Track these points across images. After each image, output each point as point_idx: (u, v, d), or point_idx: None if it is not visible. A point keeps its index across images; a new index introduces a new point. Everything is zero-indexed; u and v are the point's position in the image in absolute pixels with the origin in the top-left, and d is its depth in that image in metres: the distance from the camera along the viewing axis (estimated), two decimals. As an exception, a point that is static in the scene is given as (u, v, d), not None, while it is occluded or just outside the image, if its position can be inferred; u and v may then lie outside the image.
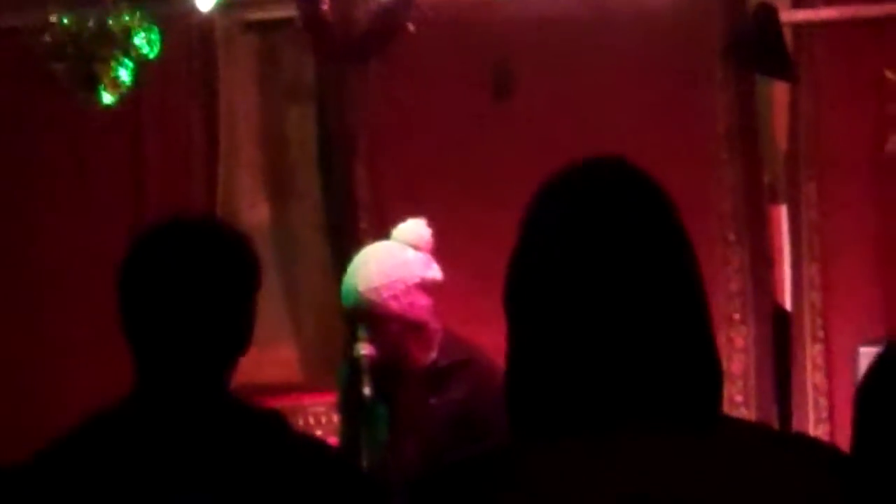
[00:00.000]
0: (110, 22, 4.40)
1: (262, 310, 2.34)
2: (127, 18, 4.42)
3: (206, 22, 5.22)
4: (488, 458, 1.69)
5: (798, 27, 5.14)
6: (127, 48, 4.41)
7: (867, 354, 4.84)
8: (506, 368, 1.70)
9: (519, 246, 1.70)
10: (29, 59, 4.57)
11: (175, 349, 2.24)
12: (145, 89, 4.96)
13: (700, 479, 1.59)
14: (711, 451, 1.62)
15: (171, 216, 2.35)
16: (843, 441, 1.66)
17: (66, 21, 4.40)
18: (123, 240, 2.34)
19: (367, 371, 3.80)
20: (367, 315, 3.82)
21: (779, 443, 1.70)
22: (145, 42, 4.44)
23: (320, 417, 5.19)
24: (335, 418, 4.20)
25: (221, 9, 5.01)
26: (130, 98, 4.66)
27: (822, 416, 5.09)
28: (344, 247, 4.93)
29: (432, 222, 3.97)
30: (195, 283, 2.24)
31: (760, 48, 5.00)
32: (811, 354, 5.12)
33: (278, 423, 2.27)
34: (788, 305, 5.26)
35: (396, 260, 3.86)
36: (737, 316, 5.13)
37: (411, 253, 3.89)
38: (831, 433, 5.01)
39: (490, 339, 3.54)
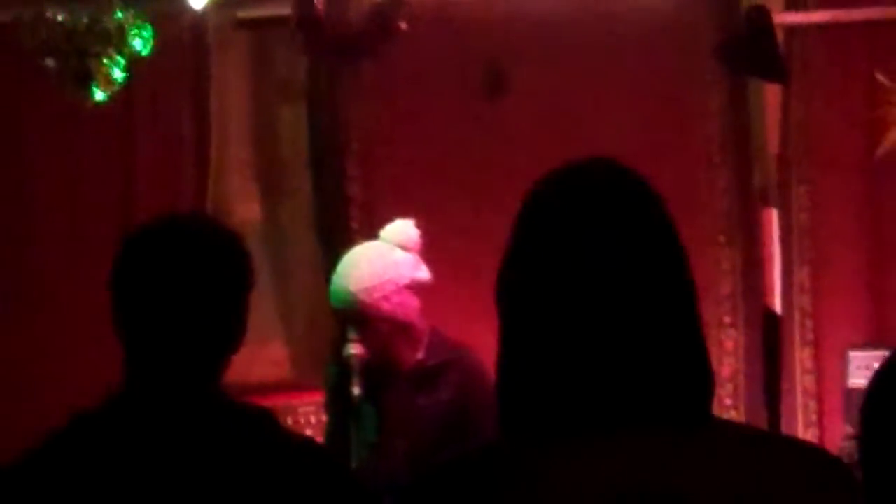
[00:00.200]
0: (104, 19, 4.39)
1: (253, 308, 2.34)
2: (120, 16, 4.42)
3: (199, 20, 5.21)
4: (483, 457, 1.69)
5: (790, 29, 5.15)
6: (120, 45, 4.41)
7: (857, 358, 4.85)
8: (497, 368, 1.70)
9: (511, 246, 1.71)
10: (21, 55, 4.56)
11: (166, 347, 2.24)
12: (137, 87, 4.95)
13: (696, 476, 1.59)
14: (705, 449, 1.62)
15: (162, 214, 2.35)
16: (832, 444, 1.66)
17: (59, 18, 4.39)
18: (114, 238, 2.34)
19: (357, 371, 3.81)
20: (358, 315, 3.83)
21: (769, 442, 1.71)
22: (138, 39, 4.43)
23: (310, 417, 5.18)
24: (325, 418, 4.20)
25: (214, 7, 5.01)
26: (122, 95, 4.65)
27: (812, 420, 5.09)
28: (335, 246, 4.93)
29: (424, 221, 3.98)
30: (187, 282, 2.24)
31: (753, 50, 5.01)
32: (801, 358, 5.13)
33: (269, 422, 2.27)
34: (778, 308, 5.26)
35: (387, 261, 3.87)
36: (727, 319, 5.13)
37: (400, 254, 3.90)
38: (820, 437, 5.01)
39: (478, 338, 3.56)
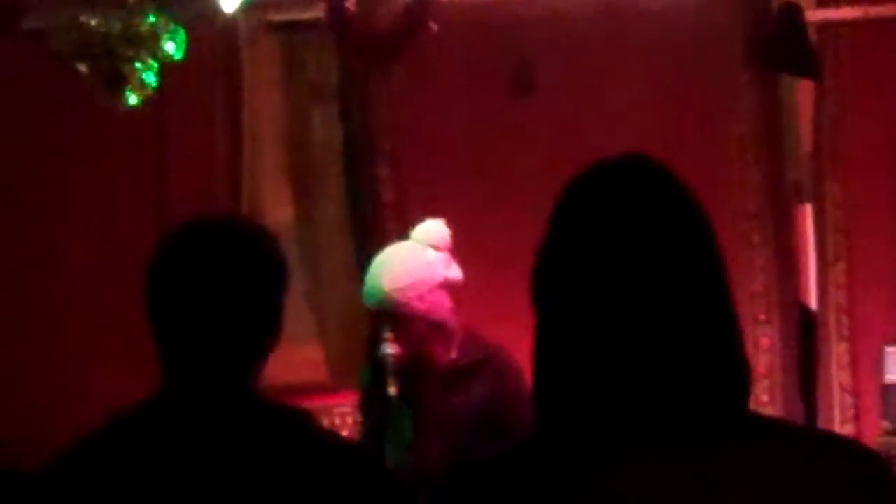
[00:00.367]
0: (137, 24, 4.42)
1: (287, 310, 2.34)
2: (153, 20, 4.44)
3: (231, 23, 5.23)
4: (520, 458, 1.69)
5: (822, 26, 5.13)
6: (153, 50, 4.43)
7: (893, 353, 4.84)
8: (533, 366, 1.70)
9: (546, 244, 1.70)
10: (55, 60, 4.58)
11: (203, 348, 2.24)
12: (170, 91, 4.97)
13: (735, 475, 1.59)
14: (743, 448, 1.62)
15: (197, 216, 2.36)
16: (869, 439, 1.66)
17: (93, 23, 4.42)
18: (148, 241, 2.34)
19: (392, 370, 3.82)
20: (393, 315, 3.83)
21: (807, 438, 1.71)
22: (171, 44, 4.45)
23: (346, 417, 5.19)
24: (360, 418, 4.21)
25: (246, 10, 5.03)
26: (155, 99, 4.67)
27: (848, 415, 5.08)
28: (369, 247, 4.94)
29: (457, 222, 3.98)
30: (223, 283, 2.24)
31: (785, 47, 4.99)
32: (837, 353, 5.11)
33: (308, 422, 2.27)
34: (814, 305, 5.25)
35: (420, 260, 3.88)
36: (762, 316, 5.12)
37: (432, 253, 3.91)
38: (857, 432, 4.99)
39: (512, 337, 3.56)
